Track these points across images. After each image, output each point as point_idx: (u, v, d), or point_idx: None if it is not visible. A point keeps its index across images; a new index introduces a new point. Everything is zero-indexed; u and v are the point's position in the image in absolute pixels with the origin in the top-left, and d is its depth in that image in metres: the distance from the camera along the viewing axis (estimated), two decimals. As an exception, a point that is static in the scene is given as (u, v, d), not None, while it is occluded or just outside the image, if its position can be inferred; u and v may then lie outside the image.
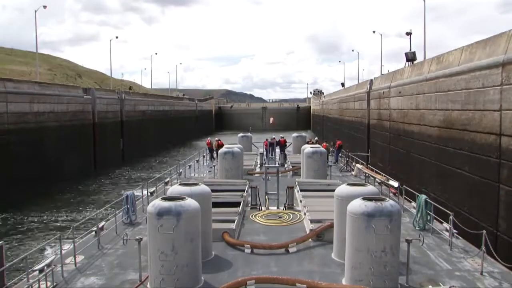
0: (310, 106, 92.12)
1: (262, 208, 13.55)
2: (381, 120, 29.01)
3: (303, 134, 30.44)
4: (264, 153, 25.79)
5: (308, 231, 10.71)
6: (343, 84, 54.65)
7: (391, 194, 15.46)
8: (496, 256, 8.83)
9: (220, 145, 24.39)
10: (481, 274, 8.38)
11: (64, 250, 8.87)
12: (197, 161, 25.24)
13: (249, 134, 30.08)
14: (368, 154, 25.94)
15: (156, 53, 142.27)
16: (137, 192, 16.10)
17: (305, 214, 12.13)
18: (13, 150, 26.85)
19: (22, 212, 22.35)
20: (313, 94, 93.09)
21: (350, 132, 41.62)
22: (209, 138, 28.21)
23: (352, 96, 42.14)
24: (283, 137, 27.95)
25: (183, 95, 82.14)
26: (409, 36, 41.70)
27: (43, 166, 29.47)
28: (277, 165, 21.72)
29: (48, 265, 8.26)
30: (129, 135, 47.54)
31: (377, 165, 26.29)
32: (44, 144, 30.61)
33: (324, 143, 25.57)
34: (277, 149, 27.20)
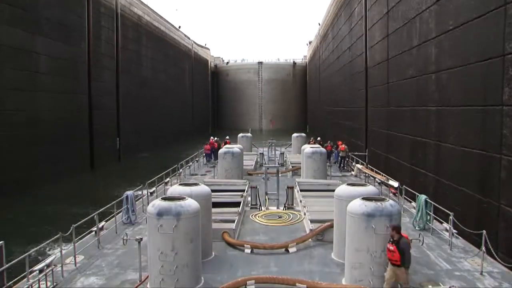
0: (306, 62, 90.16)
1: (262, 208, 13.56)
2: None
3: (303, 134, 30.51)
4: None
5: (308, 231, 10.71)
6: None
7: (391, 194, 15.48)
8: (496, 256, 8.84)
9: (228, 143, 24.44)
10: (481, 274, 8.40)
11: (64, 250, 8.88)
12: (197, 161, 25.28)
13: (249, 134, 30.20)
14: (367, 154, 25.88)
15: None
16: (137, 192, 16.10)
17: (305, 214, 12.13)
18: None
19: (22, 211, 22.34)
20: (309, 43, 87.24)
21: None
22: (211, 138, 27.99)
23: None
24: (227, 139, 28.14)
25: (179, 27, 71.33)
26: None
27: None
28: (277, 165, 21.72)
29: (48, 265, 8.29)
30: (125, 31, 43.27)
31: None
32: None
33: (329, 145, 25.26)
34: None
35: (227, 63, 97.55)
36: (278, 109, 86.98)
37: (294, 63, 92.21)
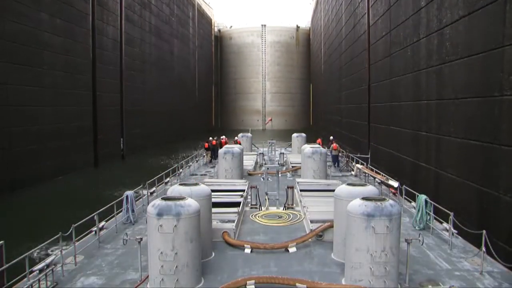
0: (310, 28, 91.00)
1: (262, 208, 13.56)
2: None
3: (303, 134, 30.48)
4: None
5: (308, 231, 10.72)
6: None
7: (391, 194, 15.49)
8: (496, 256, 8.85)
9: (223, 144, 24.35)
10: (481, 274, 8.41)
11: (64, 249, 8.89)
12: (197, 161, 25.28)
13: (249, 134, 30.16)
14: (369, 156, 25.86)
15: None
16: (137, 192, 16.12)
17: (305, 214, 12.14)
18: None
19: (21, 210, 22.35)
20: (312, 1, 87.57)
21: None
22: (210, 137, 27.90)
23: None
24: (223, 138, 27.85)
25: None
26: None
27: None
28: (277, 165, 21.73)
29: (48, 265, 8.31)
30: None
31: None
32: None
33: (334, 144, 25.10)
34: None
35: (231, 27, 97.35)
36: (282, 71, 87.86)
37: (298, 26, 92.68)
